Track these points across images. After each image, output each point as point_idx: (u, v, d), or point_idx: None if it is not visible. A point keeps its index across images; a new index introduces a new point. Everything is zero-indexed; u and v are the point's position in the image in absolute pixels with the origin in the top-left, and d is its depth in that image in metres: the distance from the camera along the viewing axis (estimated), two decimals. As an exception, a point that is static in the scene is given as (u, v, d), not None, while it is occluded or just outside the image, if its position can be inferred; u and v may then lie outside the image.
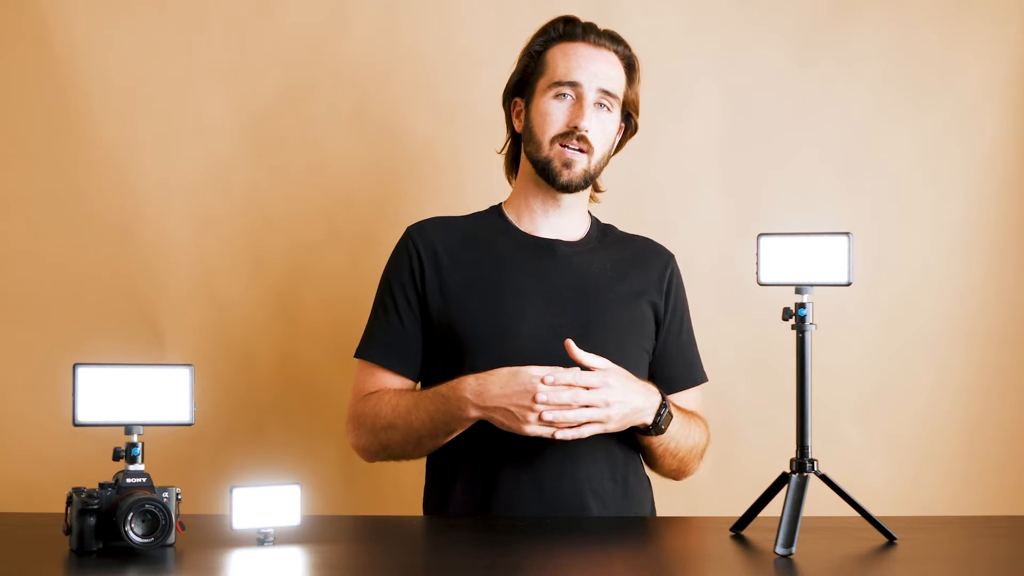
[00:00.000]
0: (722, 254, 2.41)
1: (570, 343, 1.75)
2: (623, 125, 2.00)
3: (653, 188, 2.43)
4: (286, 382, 2.41)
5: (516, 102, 1.98)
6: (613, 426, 1.76)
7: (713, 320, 2.35)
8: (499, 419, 1.75)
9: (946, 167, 2.45)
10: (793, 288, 1.56)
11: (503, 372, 1.75)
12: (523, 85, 1.97)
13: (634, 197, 2.38)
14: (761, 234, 1.56)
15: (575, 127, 1.87)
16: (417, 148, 2.42)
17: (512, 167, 2.03)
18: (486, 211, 2.02)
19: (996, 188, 2.44)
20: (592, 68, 1.90)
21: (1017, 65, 2.43)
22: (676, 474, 1.97)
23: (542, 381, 1.71)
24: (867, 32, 2.44)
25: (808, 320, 1.55)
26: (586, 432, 1.74)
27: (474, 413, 1.77)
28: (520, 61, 1.98)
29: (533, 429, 1.72)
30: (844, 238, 1.53)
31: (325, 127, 2.42)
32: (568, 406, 1.71)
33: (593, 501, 1.85)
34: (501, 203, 2.02)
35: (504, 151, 2.04)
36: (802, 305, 1.55)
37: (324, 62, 2.42)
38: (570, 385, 1.72)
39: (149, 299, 2.39)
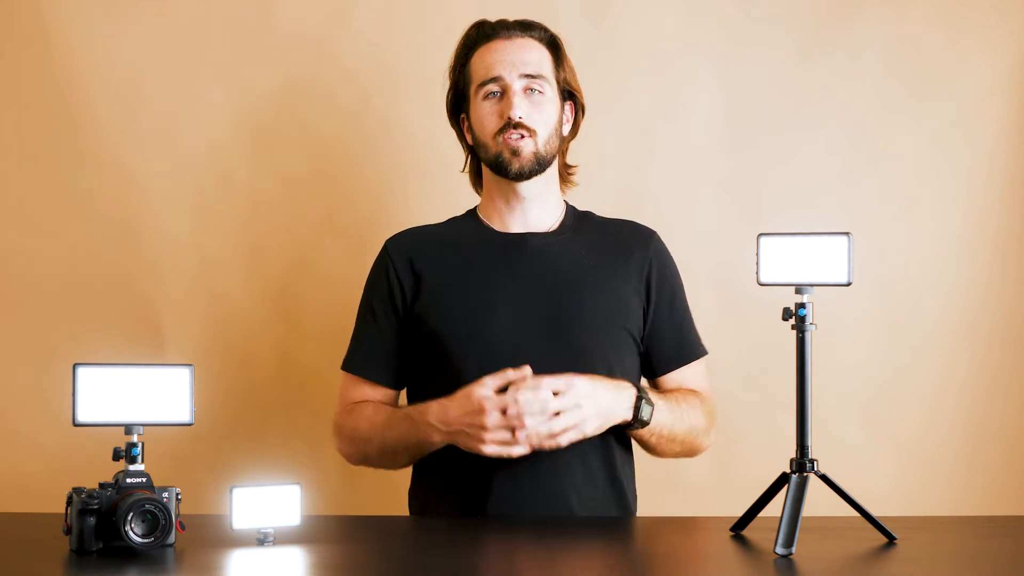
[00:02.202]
0: (722, 254, 2.41)
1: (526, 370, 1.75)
2: (570, 104, 2.01)
3: (653, 188, 2.43)
4: (286, 382, 2.41)
5: (463, 119, 2.01)
6: (591, 427, 1.77)
7: (713, 320, 2.35)
8: (461, 441, 1.78)
9: (948, 165, 2.44)
10: (793, 288, 1.56)
11: (460, 394, 1.77)
12: (461, 100, 2.00)
13: (634, 197, 2.38)
14: (761, 234, 1.56)
15: (508, 118, 1.90)
16: (417, 147, 2.42)
17: (477, 181, 2.06)
18: (462, 216, 2.05)
19: (999, 187, 2.44)
20: (509, 59, 1.93)
21: (1020, 61, 2.43)
22: (684, 456, 1.97)
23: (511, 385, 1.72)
24: (868, 29, 2.44)
25: (808, 320, 1.55)
26: (564, 440, 1.75)
27: (438, 438, 1.81)
28: (450, 78, 2.02)
29: (490, 449, 1.74)
30: (844, 238, 1.53)
31: (325, 126, 2.42)
32: (522, 424, 1.72)
33: (575, 495, 1.84)
34: (476, 206, 2.04)
35: (466, 169, 2.06)
36: (802, 305, 1.55)
37: (324, 61, 2.42)
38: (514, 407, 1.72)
39: (149, 299, 2.39)
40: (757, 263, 1.56)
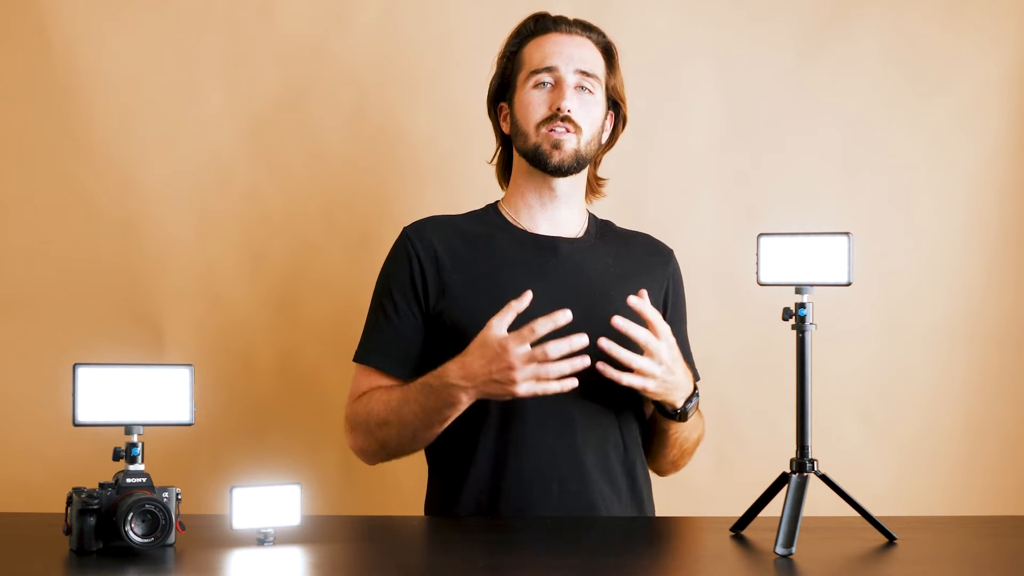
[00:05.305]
0: (722, 254, 2.41)
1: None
2: (612, 113, 1.99)
3: (653, 188, 2.43)
4: (286, 382, 2.41)
5: (502, 107, 1.99)
6: (652, 386, 1.72)
7: (713, 320, 2.35)
8: (492, 391, 1.72)
9: (947, 166, 2.44)
10: (793, 288, 1.56)
11: (475, 345, 1.72)
12: (504, 88, 1.97)
13: (634, 197, 2.38)
14: (761, 234, 1.56)
15: (558, 109, 1.87)
16: (417, 148, 2.42)
17: (504, 175, 2.03)
18: (482, 209, 2.01)
19: (998, 187, 2.44)
20: (567, 52, 1.91)
21: (1020, 62, 2.43)
22: (671, 467, 1.98)
23: (531, 331, 1.67)
24: (868, 29, 2.44)
25: (808, 320, 1.55)
26: (625, 380, 1.70)
27: (465, 397, 1.74)
28: (498, 65, 1.99)
29: (524, 388, 1.69)
30: (844, 238, 1.53)
31: (325, 127, 2.42)
32: (546, 356, 1.67)
33: (602, 502, 1.84)
34: (497, 201, 2.01)
35: (495, 160, 2.04)
36: (802, 305, 1.55)
37: (324, 62, 2.42)
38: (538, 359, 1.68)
39: (149, 299, 2.39)
40: (757, 263, 1.56)
